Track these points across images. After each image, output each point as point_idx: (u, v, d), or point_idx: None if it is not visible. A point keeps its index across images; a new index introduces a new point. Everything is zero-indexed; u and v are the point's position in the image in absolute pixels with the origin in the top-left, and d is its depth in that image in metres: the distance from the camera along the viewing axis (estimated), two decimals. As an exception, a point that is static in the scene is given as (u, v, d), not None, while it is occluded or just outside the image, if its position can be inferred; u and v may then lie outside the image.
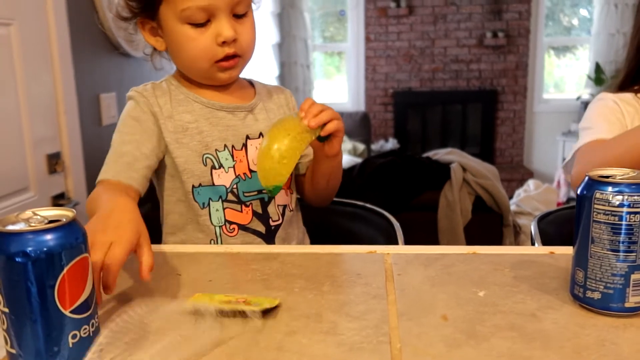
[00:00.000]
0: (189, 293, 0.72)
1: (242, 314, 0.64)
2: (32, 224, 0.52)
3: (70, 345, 0.53)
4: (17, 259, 0.50)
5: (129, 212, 0.71)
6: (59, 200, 2.02)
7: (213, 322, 0.62)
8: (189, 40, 0.90)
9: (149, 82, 0.99)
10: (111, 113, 2.41)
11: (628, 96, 1.17)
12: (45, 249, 0.50)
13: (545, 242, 1.26)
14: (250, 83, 1.06)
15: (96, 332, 0.55)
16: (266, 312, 0.65)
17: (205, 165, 0.94)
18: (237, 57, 0.93)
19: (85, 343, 0.54)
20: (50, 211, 0.55)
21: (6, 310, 0.51)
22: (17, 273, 0.50)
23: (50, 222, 0.52)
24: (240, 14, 0.92)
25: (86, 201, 0.88)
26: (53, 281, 0.51)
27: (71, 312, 0.52)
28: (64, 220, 0.53)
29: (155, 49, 0.98)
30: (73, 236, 0.52)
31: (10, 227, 0.51)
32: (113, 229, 0.65)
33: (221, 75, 0.94)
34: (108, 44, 2.37)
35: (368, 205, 1.27)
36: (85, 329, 0.54)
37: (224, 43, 0.90)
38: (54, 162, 2.00)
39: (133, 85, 2.80)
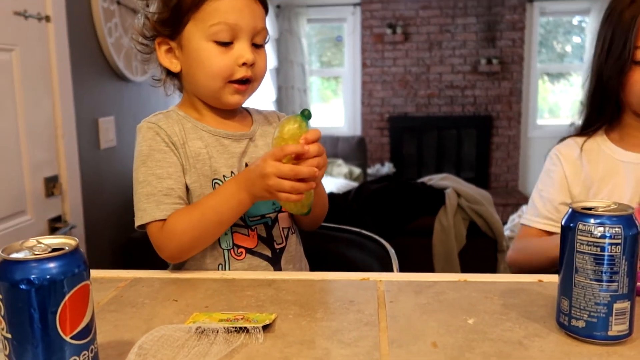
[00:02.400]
0: (185, 319, 0.73)
1: (244, 330, 0.67)
2: (36, 252, 0.54)
3: (70, 370, 0.54)
4: (21, 286, 0.51)
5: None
6: (55, 223, 2.04)
7: (217, 338, 0.64)
8: (212, 56, 0.93)
9: (157, 112, 1.00)
10: (109, 137, 2.44)
11: (572, 148, 1.26)
12: (48, 277, 0.52)
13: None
14: (246, 110, 1.09)
15: (95, 357, 0.57)
16: (266, 327, 0.69)
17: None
18: (249, 82, 0.97)
19: (84, 368, 0.55)
20: (54, 239, 0.57)
21: (9, 335, 0.53)
22: (21, 300, 0.52)
23: (54, 250, 0.54)
24: (259, 44, 0.98)
25: (177, 235, 0.91)
26: (55, 308, 0.53)
27: (72, 337, 0.54)
28: (67, 248, 0.55)
29: (167, 73, 1.01)
30: (75, 264, 0.54)
31: (15, 255, 0.53)
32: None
33: (231, 97, 0.97)
34: (108, 68, 2.41)
35: (364, 231, 1.29)
36: (84, 354, 0.55)
37: (244, 64, 0.94)
38: (52, 185, 2.02)
39: (132, 109, 2.83)
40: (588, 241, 0.63)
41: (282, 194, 0.85)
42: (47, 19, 1.94)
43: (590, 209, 0.65)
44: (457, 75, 5.52)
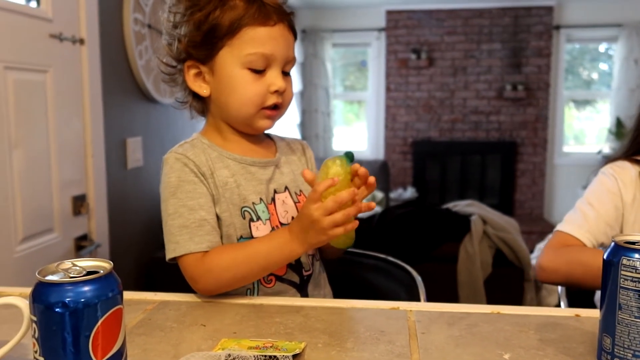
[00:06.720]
0: (214, 345, 0.72)
1: (274, 359, 0.66)
2: (71, 275, 0.54)
3: (100, 396, 0.53)
4: (56, 309, 0.51)
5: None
6: (81, 241, 2.06)
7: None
8: (246, 84, 0.94)
9: (182, 142, 1.00)
10: (136, 157, 2.47)
11: (629, 170, 1.19)
12: (82, 300, 0.52)
13: (571, 296, 1.26)
14: (269, 137, 1.09)
15: (125, 383, 0.56)
16: (296, 357, 0.67)
17: (244, 218, 0.96)
18: (278, 108, 0.98)
19: (115, 394, 0.54)
20: (89, 262, 0.57)
21: (41, 359, 0.52)
22: (55, 323, 0.51)
23: (89, 273, 0.54)
24: (287, 72, 0.99)
25: (220, 271, 0.90)
26: (88, 332, 0.52)
27: (103, 362, 0.53)
28: (102, 272, 0.54)
29: (193, 96, 1.01)
30: (109, 288, 0.54)
31: (50, 278, 0.53)
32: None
33: (262, 122, 0.98)
34: (137, 90, 2.46)
35: (390, 258, 1.27)
36: (115, 380, 0.55)
37: (275, 92, 0.95)
38: (79, 204, 2.04)
39: (159, 130, 2.86)
40: (633, 277, 0.61)
41: (339, 229, 0.85)
42: (81, 41, 1.99)
43: (634, 243, 0.63)
44: (482, 100, 5.50)
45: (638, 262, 0.60)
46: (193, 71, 0.98)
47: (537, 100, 5.42)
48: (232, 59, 0.94)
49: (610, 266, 0.63)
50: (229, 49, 0.93)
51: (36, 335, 0.52)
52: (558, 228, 1.23)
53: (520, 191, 5.57)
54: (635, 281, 0.61)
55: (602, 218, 1.17)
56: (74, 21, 1.96)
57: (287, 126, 5.04)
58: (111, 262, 0.56)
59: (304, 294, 1.01)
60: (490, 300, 2.46)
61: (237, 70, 0.94)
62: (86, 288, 0.52)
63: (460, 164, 5.64)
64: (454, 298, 2.44)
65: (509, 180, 5.55)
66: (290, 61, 0.98)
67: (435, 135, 5.61)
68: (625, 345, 0.62)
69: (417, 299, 1.15)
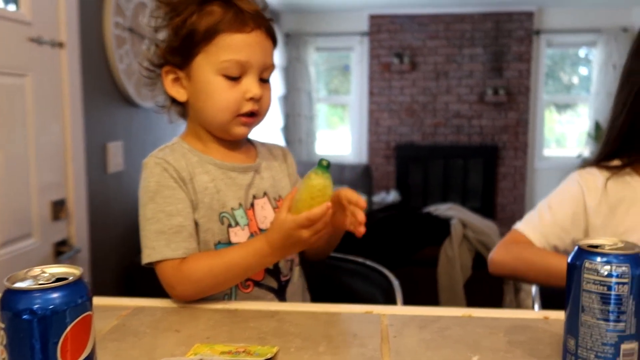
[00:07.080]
0: (187, 350, 0.73)
1: None
2: (40, 282, 0.54)
3: (69, 402, 0.53)
4: (23, 316, 0.51)
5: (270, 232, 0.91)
6: (61, 247, 2.04)
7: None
8: (221, 90, 0.94)
9: (163, 146, 1.00)
10: (117, 161, 2.45)
11: (596, 177, 1.20)
12: (51, 307, 0.52)
13: (547, 298, 1.28)
14: (250, 142, 1.10)
15: (95, 389, 0.56)
16: None
17: (222, 224, 0.96)
18: (255, 115, 0.98)
19: (84, 401, 0.55)
20: (58, 268, 0.57)
21: (9, 366, 0.53)
22: (23, 330, 0.51)
23: (58, 279, 0.54)
24: (265, 79, 0.98)
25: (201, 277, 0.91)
26: (57, 339, 0.52)
27: (72, 369, 0.54)
28: (71, 278, 0.54)
29: (171, 101, 1.02)
30: (78, 295, 0.54)
31: (18, 285, 0.53)
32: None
33: (238, 129, 0.98)
34: (118, 94, 2.44)
35: (368, 262, 1.28)
36: (84, 386, 0.55)
37: (251, 99, 0.95)
38: (59, 208, 2.02)
39: (140, 134, 2.84)
40: (594, 280, 0.62)
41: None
42: (61, 45, 1.98)
43: (596, 246, 0.64)
44: (464, 105, 5.55)
45: (600, 265, 0.62)
46: (171, 76, 0.98)
47: (517, 104, 5.49)
48: (208, 66, 0.94)
49: (574, 269, 0.65)
50: (204, 55, 0.94)
51: (4, 342, 0.53)
52: (515, 226, 1.29)
53: (501, 195, 5.63)
54: (597, 284, 0.62)
55: (558, 223, 1.22)
56: (54, 25, 1.95)
57: (270, 130, 5.04)
58: (81, 269, 0.57)
59: (282, 299, 1.01)
60: (470, 303, 2.48)
61: (212, 76, 0.94)
62: (54, 295, 0.53)
63: (442, 167, 5.68)
64: (434, 301, 2.46)
65: (491, 183, 5.61)
66: (268, 68, 0.98)
67: (418, 139, 5.65)
68: (588, 347, 0.64)
69: (395, 303, 1.16)
